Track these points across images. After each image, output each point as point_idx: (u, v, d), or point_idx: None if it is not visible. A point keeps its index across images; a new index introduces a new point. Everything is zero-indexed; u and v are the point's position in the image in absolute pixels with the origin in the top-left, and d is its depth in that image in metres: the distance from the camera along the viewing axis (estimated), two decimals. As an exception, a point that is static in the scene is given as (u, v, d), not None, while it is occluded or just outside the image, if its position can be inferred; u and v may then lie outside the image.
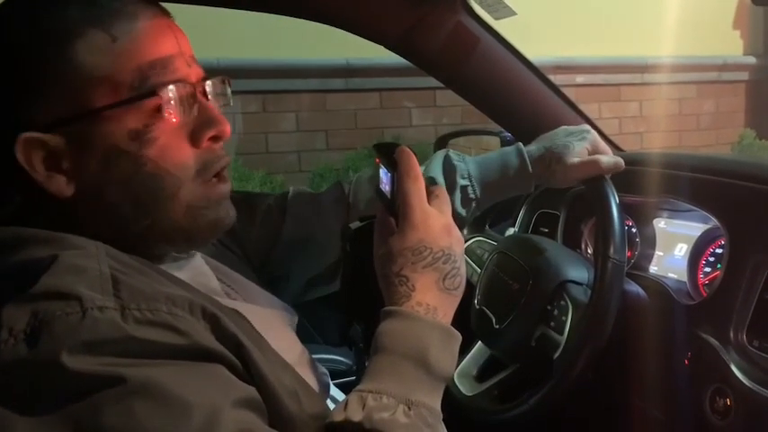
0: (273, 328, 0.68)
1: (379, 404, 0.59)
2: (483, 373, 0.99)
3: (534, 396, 0.91)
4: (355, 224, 0.76)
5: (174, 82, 0.62)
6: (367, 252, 0.72)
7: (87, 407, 0.48)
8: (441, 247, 0.67)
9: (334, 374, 1.32)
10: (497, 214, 1.45)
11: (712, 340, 0.89)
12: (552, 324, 0.95)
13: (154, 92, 0.61)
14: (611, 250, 0.88)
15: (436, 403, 0.63)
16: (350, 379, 1.40)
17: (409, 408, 0.60)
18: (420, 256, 0.67)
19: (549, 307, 0.96)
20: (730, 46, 5.14)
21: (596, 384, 0.91)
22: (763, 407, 0.81)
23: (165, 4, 0.67)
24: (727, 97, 5.11)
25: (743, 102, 5.19)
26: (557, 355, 0.92)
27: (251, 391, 0.56)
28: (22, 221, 0.60)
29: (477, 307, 1.06)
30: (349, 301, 0.77)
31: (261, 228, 0.91)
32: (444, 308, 0.67)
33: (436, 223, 0.68)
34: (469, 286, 0.99)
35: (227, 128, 0.66)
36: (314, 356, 0.80)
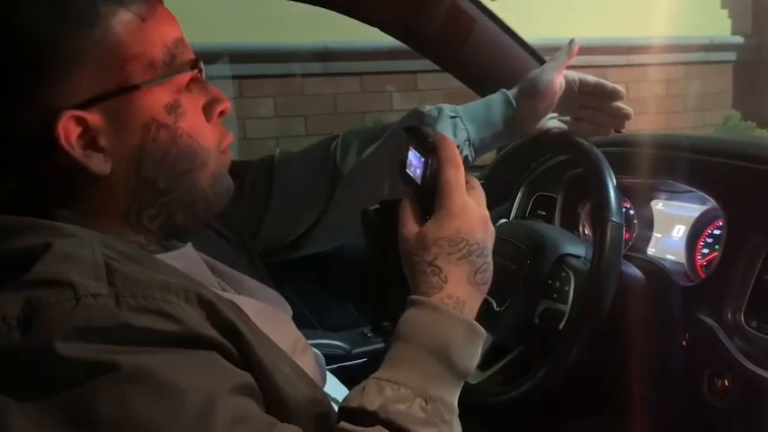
0: (268, 320, 0.67)
1: (396, 395, 0.58)
2: (486, 362, 0.99)
3: (542, 369, 0.90)
4: (375, 207, 0.74)
5: (194, 60, 0.65)
6: (389, 237, 0.69)
7: (81, 394, 0.48)
8: (476, 239, 0.66)
9: (332, 359, 1.33)
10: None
11: (710, 321, 0.89)
12: (555, 296, 0.95)
13: (188, 67, 0.64)
14: (609, 212, 0.88)
15: (454, 399, 0.63)
16: (347, 364, 1.40)
17: (426, 402, 0.59)
18: (456, 247, 0.65)
19: (549, 281, 0.96)
20: (718, 26, 5.06)
21: (594, 367, 0.91)
22: (760, 387, 0.81)
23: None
24: (714, 78, 5.04)
25: (730, 82, 5.12)
26: (562, 324, 0.92)
27: (247, 377, 0.55)
28: (55, 203, 0.61)
29: None
30: (374, 287, 0.75)
31: (248, 200, 0.91)
32: (472, 303, 0.66)
33: (474, 215, 0.66)
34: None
35: (230, 105, 0.69)
36: (312, 342, 0.80)
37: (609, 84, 0.95)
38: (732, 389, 0.84)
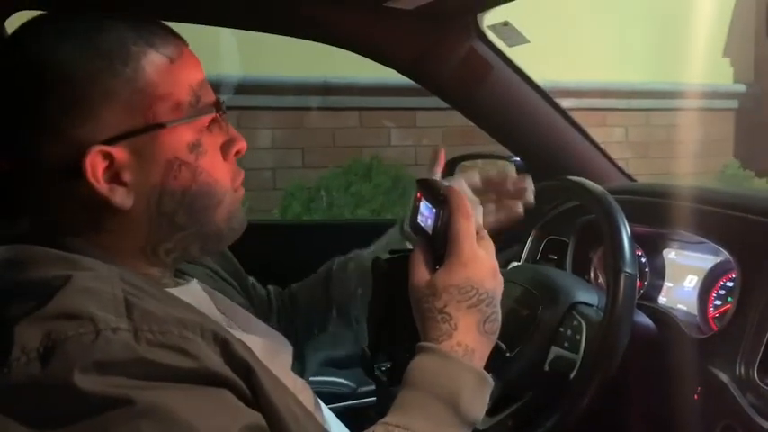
0: (271, 358, 0.68)
1: None
2: (495, 408, 0.98)
3: (552, 418, 0.89)
4: (386, 256, 0.76)
5: (216, 102, 0.68)
6: (399, 286, 0.71)
7: (96, 427, 0.48)
8: (486, 289, 0.67)
9: (337, 397, 1.32)
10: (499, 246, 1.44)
11: (722, 375, 0.88)
12: (566, 344, 0.94)
13: (211, 109, 0.66)
14: (623, 262, 0.87)
15: None
16: (352, 403, 1.39)
17: None
18: (466, 295, 0.66)
19: (561, 329, 0.95)
20: (720, 74, 5.09)
21: (604, 418, 0.89)
22: (773, 445, 0.80)
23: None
24: (716, 125, 5.03)
25: (732, 130, 5.13)
26: (573, 374, 0.91)
27: (258, 417, 0.56)
28: (73, 234, 0.62)
29: None
30: (378, 335, 0.77)
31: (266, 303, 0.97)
32: (481, 351, 0.67)
33: (484, 264, 0.68)
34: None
35: (245, 145, 0.71)
36: (316, 379, 0.80)
37: (494, 173, 0.96)
38: (744, 445, 0.83)
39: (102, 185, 0.61)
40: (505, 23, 1.15)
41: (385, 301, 0.75)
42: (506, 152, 1.38)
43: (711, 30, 4.93)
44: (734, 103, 5.11)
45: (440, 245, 0.69)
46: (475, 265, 0.67)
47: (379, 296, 0.76)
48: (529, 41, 1.13)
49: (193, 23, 0.92)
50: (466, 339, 0.65)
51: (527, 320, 0.98)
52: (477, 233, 0.70)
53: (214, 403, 0.52)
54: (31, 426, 0.48)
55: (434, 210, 0.70)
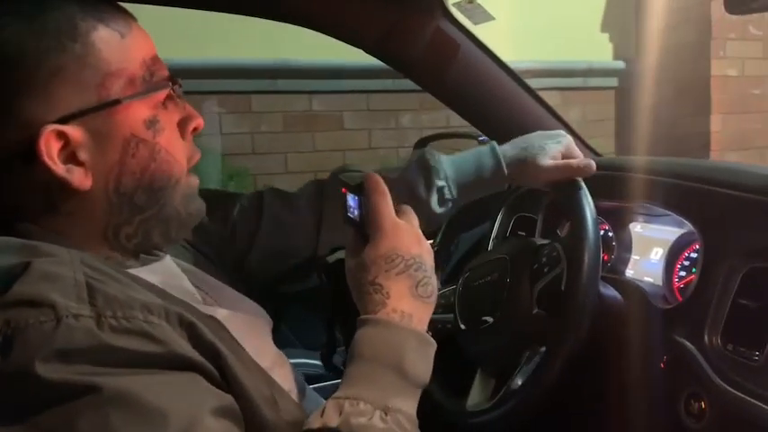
0: (249, 332, 0.68)
1: (355, 409, 0.59)
2: (499, 382, 0.96)
3: (523, 390, 0.88)
4: (331, 257, 0.78)
5: (170, 76, 0.66)
6: (343, 280, 0.73)
7: (62, 417, 0.47)
8: (412, 254, 0.69)
9: (312, 379, 1.32)
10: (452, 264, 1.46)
11: (688, 344, 0.90)
12: (546, 270, 0.92)
13: (166, 84, 0.65)
14: (585, 233, 0.87)
15: (412, 409, 0.64)
16: (328, 383, 1.39)
17: (386, 413, 0.60)
18: (392, 263, 0.68)
19: (535, 266, 0.94)
20: (598, 50, 4.68)
21: (572, 388, 0.91)
22: (737, 410, 0.82)
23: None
24: (594, 105, 4.60)
25: (612, 109, 4.70)
26: (564, 284, 0.89)
27: (228, 399, 0.55)
28: (30, 219, 0.61)
29: (466, 328, 1.01)
30: (332, 328, 0.79)
31: (235, 231, 0.91)
32: (419, 315, 0.68)
33: (406, 233, 0.70)
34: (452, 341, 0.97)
35: (202, 121, 0.70)
36: (292, 360, 0.80)
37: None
38: (709, 411, 0.85)
39: (58, 166, 0.60)
40: (470, 0, 1.15)
41: (333, 296, 0.77)
42: (475, 131, 1.39)
43: (588, 3, 4.50)
44: (613, 81, 4.67)
45: (367, 229, 0.72)
46: (397, 234, 0.69)
47: (329, 293, 0.79)
48: (494, 18, 1.13)
49: (145, 3, 0.89)
50: (400, 305, 0.67)
51: (500, 280, 0.97)
52: (400, 209, 0.72)
53: (183, 387, 0.52)
54: None
55: (357, 198, 0.74)
